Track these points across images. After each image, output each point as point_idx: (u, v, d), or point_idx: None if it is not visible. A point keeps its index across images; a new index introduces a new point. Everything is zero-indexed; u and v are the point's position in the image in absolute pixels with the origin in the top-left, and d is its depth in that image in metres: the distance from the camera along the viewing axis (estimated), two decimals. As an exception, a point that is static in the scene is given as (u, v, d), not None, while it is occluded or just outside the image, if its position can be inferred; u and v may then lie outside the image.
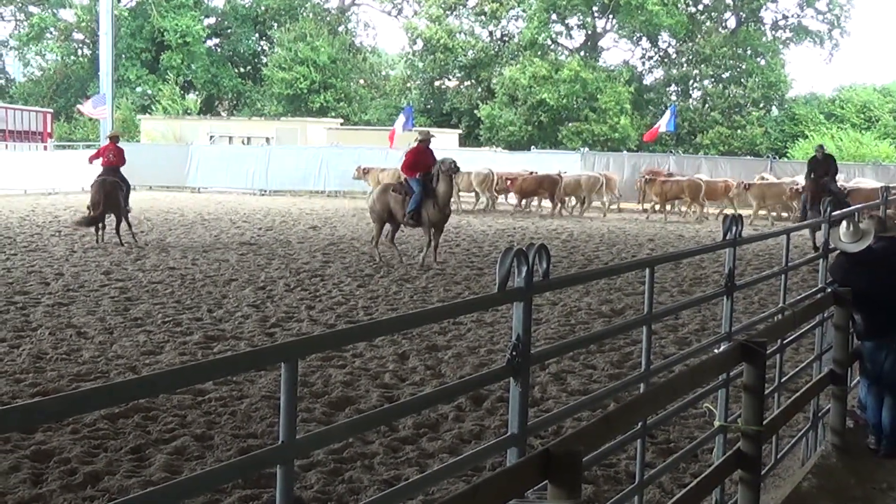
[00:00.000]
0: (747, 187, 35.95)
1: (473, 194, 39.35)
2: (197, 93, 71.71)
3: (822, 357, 9.91)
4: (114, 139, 26.28)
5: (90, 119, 53.73)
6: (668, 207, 37.78)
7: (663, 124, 48.18)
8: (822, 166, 26.65)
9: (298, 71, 67.46)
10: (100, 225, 24.77)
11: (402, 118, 46.09)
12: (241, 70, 75.94)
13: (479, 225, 32.30)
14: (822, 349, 9.93)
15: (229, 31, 74.41)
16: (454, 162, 22.34)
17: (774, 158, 45.62)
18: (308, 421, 10.03)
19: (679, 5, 65.97)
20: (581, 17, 69.07)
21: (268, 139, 54.08)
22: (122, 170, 25.39)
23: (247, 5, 74.59)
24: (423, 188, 22.10)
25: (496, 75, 67.12)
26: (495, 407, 10.69)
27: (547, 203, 38.76)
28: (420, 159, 22.38)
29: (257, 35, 75.67)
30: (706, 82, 69.01)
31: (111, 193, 24.53)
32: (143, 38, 69.43)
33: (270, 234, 27.72)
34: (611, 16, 68.53)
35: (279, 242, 25.74)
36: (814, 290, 10.73)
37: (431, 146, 23.00)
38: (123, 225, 24.84)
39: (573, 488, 4.51)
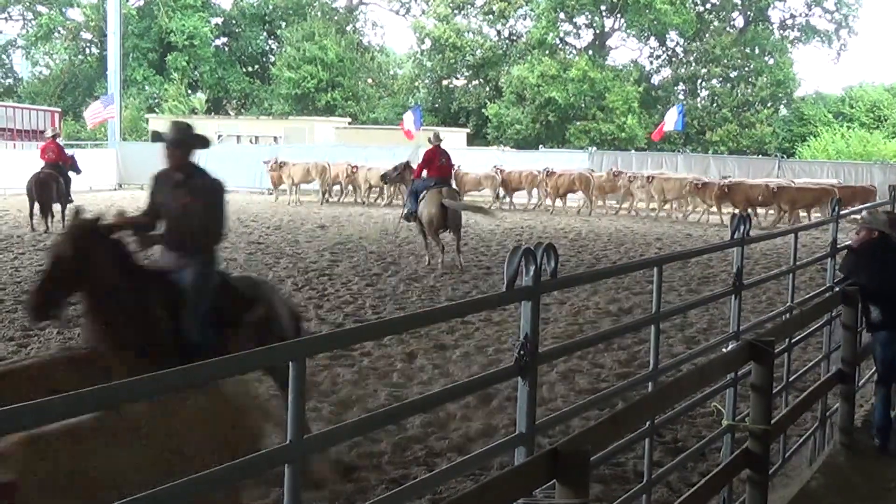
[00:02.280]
0: (650, 180, 37.21)
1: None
2: (205, 92, 71.80)
3: (830, 356, 9.90)
4: (54, 138, 29.47)
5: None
6: (561, 201, 38.94)
7: (670, 123, 48.13)
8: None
9: (306, 70, 67.49)
10: (35, 213, 27.11)
11: (410, 116, 46.27)
12: (249, 69, 75.97)
13: (487, 224, 32.27)
14: (830, 348, 9.92)
15: (237, 30, 74.43)
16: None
17: (783, 158, 45.53)
18: (316, 420, 10.03)
19: (687, 4, 65.95)
20: (589, 17, 69.04)
21: (276, 138, 54.06)
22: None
23: (255, 4, 74.63)
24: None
25: (504, 74, 67.12)
26: (503, 406, 10.68)
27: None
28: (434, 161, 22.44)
29: (265, 34, 75.68)
30: (714, 81, 68.98)
31: (45, 185, 27.08)
32: (150, 38, 69.49)
33: (278, 234, 27.74)
34: (619, 15, 68.49)
35: (287, 241, 25.75)
36: (822, 288, 10.72)
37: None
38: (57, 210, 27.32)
39: (581, 487, 4.51)
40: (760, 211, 34.95)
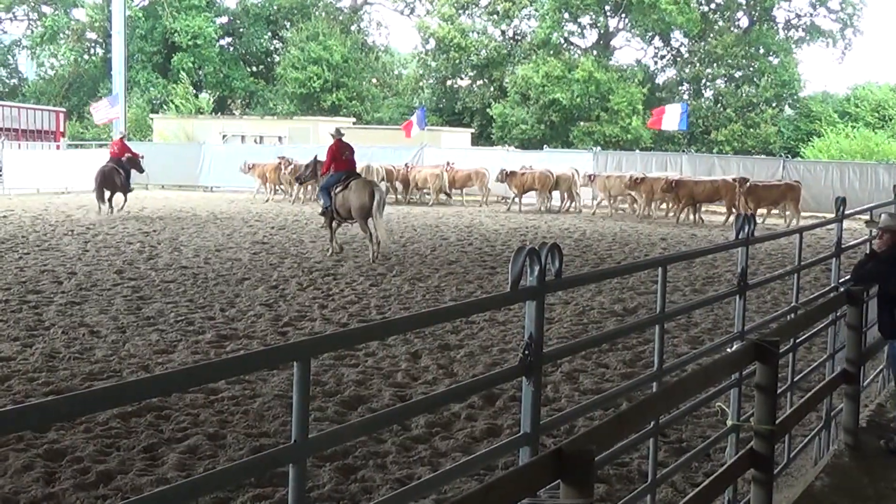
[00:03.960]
0: (592, 178, 38.37)
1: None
2: (209, 92, 71.87)
3: (834, 356, 9.89)
4: (122, 139, 36.02)
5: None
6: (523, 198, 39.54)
7: (672, 117, 48.11)
8: None
9: (311, 70, 67.51)
10: (103, 200, 32.36)
11: (417, 116, 46.52)
12: (254, 69, 76.05)
13: (492, 224, 32.29)
14: (835, 348, 9.91)
15: (241, 30, 74.51)
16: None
17: (787, 157, 45.52)
18: (321, 420, 10.03)
19: (691, 4, 65.88)
20: (594, 17, 69.01)
21: (280, 138, 54.08)
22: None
23: (259, 5, 74.68)
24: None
25: (508, 74, 67.11)
26: (508, 406, 10.68)
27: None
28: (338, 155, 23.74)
29: (270, 34, 75.74)
30: (719, 81, 68.96)
31: (108, 175, 32.47)
32: (155, 39, 69.56)
33: (283, 233, 27.74)
34: (623, 15, 68.45)
35: (291, 241, 25.75)
36: (827, 289, 10.71)
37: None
38: (119, 199, 33.33)
39: (586, 487, 4.50)
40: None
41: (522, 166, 39.86)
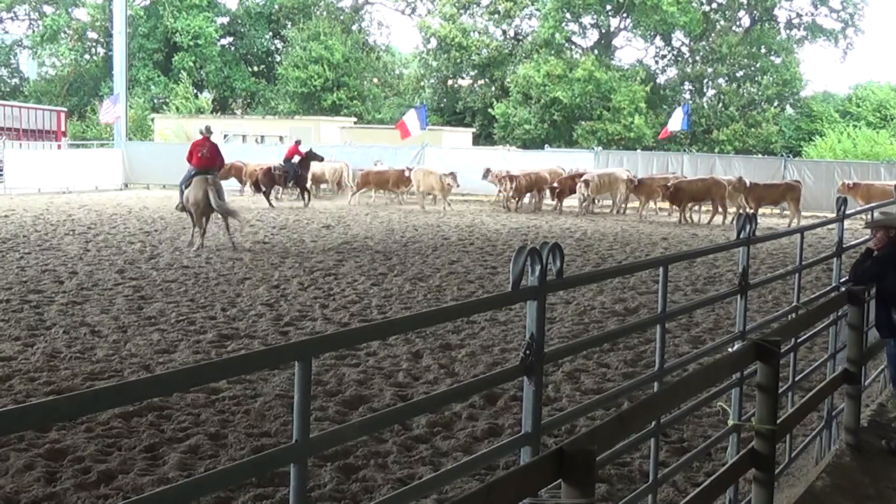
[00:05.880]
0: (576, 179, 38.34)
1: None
2: (210, 92, 71.91)
3: (836, 356, 9.89)
4: (297, 143, 40.58)
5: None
6: (524, 199, 39.68)
7: (676, 123, 48.17)
8: None
9: (312, 70, 67.53)
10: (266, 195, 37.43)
11: (412, 113, 46.28)
12: (255, 69, 76.07)
13: (493, 224, 32.27)
14: (836, 348, 9.91)
15: (242, 30, 74.55)
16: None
17: (789, 157, 45.50)
18: (322, 420, 10.03)
19: (693, 4, 65.87)
20: (595, 16, 68.99)
21: (281, 138, 54.03)
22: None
23: (260, 4, 74.72)
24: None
25: (510, 74, 67.10)
26: (509, 406, 10.68)
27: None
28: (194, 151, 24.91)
29: (271, 34, 75.80)
30: (720, 81, 68.96)
31: (271, 174, 38.31)
32: (156, 38, 69.63)
33: (284, 233, 27.73)
34: (625, 14, 68.44)
35: (292, 241, 25.75)
36: (828, 288, 10.71)
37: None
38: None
39: (587, 487, 4.50)
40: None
41: (505, 170, 39.71)
